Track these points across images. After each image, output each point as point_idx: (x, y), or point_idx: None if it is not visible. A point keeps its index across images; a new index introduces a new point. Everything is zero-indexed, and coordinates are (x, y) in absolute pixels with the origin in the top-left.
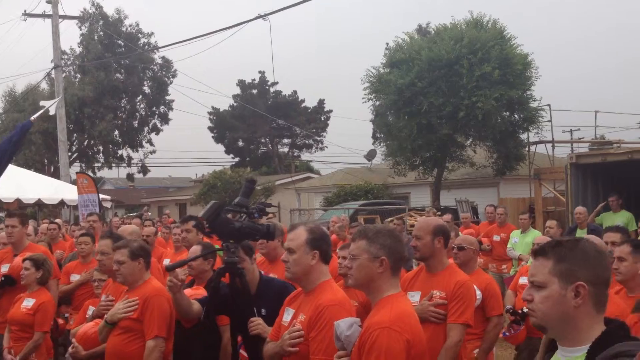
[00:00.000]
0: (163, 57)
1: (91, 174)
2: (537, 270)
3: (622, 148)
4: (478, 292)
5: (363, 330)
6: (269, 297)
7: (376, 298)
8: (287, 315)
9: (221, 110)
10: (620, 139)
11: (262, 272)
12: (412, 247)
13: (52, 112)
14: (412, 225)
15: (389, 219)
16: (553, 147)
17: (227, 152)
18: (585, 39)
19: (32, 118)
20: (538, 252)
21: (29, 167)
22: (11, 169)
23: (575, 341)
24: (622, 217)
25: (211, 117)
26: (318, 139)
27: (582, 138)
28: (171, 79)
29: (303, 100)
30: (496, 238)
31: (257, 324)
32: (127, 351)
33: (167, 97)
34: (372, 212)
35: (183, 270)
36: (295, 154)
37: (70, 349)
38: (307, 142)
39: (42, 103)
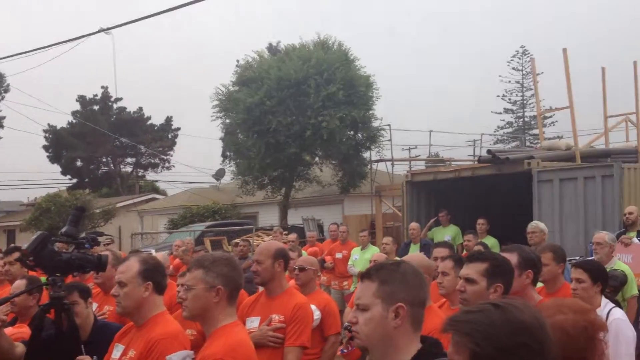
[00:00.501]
0: None
1: None
2: (363, 293)
3: (452, 166)
4: (317, 312)
5: None
6: (103, 344)
7: (211, 329)
8: (116, 351)
9: (58, 127)
10: (451, 157)
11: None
12: (253, 272)
13: None
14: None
15: (235, 240)
16: (392, 165)
17: (64, 172)
18: (426, 65)
19: None
20: (364, 275)
21: None
22: None
23: None
24: (450, 231)
25: (47, 135)
26: (164, 157)
27: (419, 156)
28: (3, 94)
29: (149, 118)
30: (338, 255)
31: None
32: None
33: None
34: (218, 233)
35: (5, 307)
36: (140, 173)
37: None
38: (152, 161)
39: None
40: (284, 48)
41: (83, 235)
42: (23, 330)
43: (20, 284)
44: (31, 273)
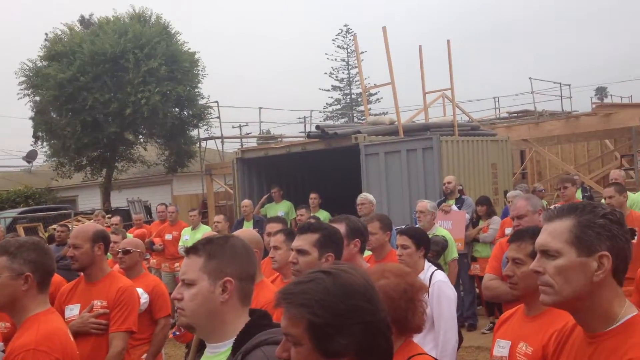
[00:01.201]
0: None
1: None
2: (188, 268)
3: (283, 142)
4: (144, 296)
5: (6, 356)
6: None
7: (21, 318)
8: None
9: None
10: (282, 134)
11: None
12: (70, 258)
13: None
14: None
15: (53, 226)
16: (222, 142)
17: None
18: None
19: None
20: (190, 250)
21: None
22: None
23: (221, 336)
24: (283, 207)
25: None
26: None
27: (250, 133)
28: None
29: None
30: (168, 237)
31: None
32: None
33: None
34: (33, 219)
35: None
36: None
37: None
38: None
39: None
40: (97, 21)
41: None
42: None
43: None
44: None
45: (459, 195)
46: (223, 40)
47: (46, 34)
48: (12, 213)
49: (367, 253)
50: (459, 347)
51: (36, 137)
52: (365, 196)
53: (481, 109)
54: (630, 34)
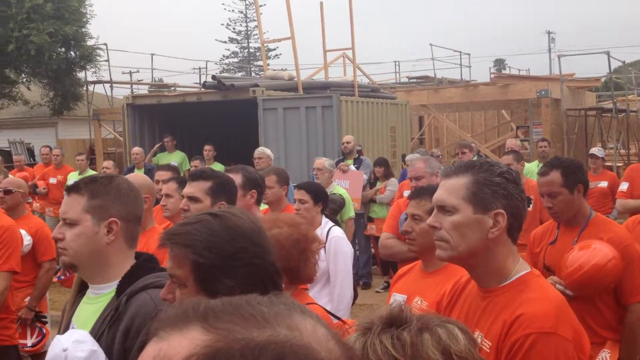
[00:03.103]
0: None
1: None
2: (70, 207)
3: (177, 91)
4: (28, 237)
5: None
6: None
7: None
8: None
9: None
10: (175, 83)
11: None
12: None
13: None
14: None
15: None
16: (112, 87)
17: None
18: None
19: None
20: (71, 188)
21: None
22: None
23: (106, 278)
24: (176, 157)
25: None
26: None
27: (142, 80)
28: None
29: None
30: (53, 180)
31: None
32: None
33: None
34: None
35: None
36: None
37: None
38: None
39: None
40: None
41: None
42: None
43: None
44: None
45: (357, 155)
46: None
47: None
48: None
49: (264, 207)
50: (353, 304)
51: None
52: (262, 150)
53: (381, 72)
54: (532, 3)
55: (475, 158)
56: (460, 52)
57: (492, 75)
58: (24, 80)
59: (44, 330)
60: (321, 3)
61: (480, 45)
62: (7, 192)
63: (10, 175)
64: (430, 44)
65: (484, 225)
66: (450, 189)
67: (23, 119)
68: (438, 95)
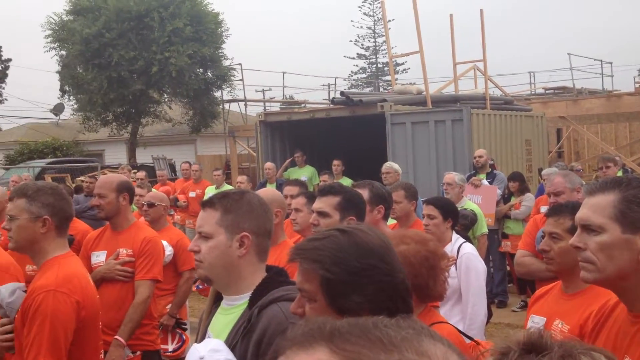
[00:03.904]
0: None
1: None
2: (205, 221)
3: (307, 108)
4: (169, 248)
5: (27, 295)
6: None
7: (41, 261)
8: None
9: None
10: (305, 99)
11: None
12: (96, 207)
13: None
14: None
15: (81, 178)
16: (246, 105)
17: None
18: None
19: None
20: (206, 203)
21: None
22: None
23: (238, 290)
24: (306, 172)
25: None
26: None
27: (274, 98)
28: None
29: None
30: (192, 194)
31: None
32: None
33: None
34: (61, 170)
35: None
36: None
37: None
38: None
39: None
40: None
41: None
42: None
43: None
44: None
45: (490, 169)
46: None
47: None
48: (41, 163)
49: (392, 222)
50: (487, 322)
51: (63, 90)
52: (390, 165)
53: (515, 84)
54: None
55: (620, 173)
56: (602, 60)
57: (637, 85)
58: (166, 100)
59: (184, 337)
60: (451, 15)
61: (622, 52)
62: (151, 205)
63: (153, 190)
64: (569, 54)
65: (634, 246)
66: (596, 207)
67: (165, 136)
68: (577, 106)
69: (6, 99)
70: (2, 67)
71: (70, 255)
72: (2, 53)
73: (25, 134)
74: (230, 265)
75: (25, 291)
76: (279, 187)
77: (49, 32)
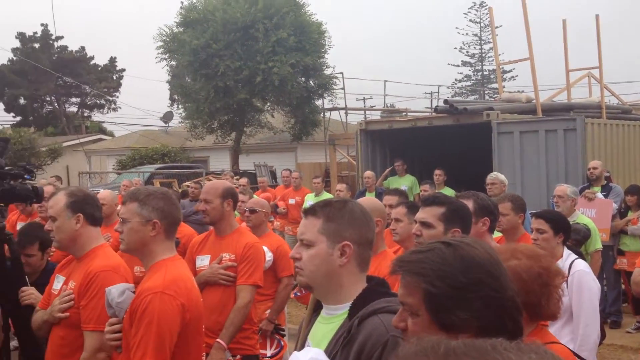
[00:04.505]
0: None
1: None
2: (307, 229)
3: (408, 116)
4: (269, 254)
5: (135, 296)
6: None
7: (149, 262)
8: (57, 283)
9: None
10: (407, 108)
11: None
12: (202, 212)
13: None
14: None
15: (186, 183)
16: (346, 114)
17: (7, 110)
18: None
19: None
20: (308, 211)
21: None
22: None
23: (338, 299)
24: (407, 181)
25: None
26: (110, 99)
27: (374, 106)
28: None
29: (92, 57)
30: (292, 201)
31: (29, 294)
32: None
33: None
34: (168, 175)
35: None
36: (86, 114)
37: None
38: (98, 102)
39: None
40: None
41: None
42: None
43: None
44: None
45: (605, 182)
46: (350, 6)
47: (182, 2)
48: (150, 168)
49: (497, 235)
50: (600, 344)
51: (172, 99)
52: (495, 175)
53: (635, 92)
54: None
55: None
56: None
57: None
58: (269, 108)
59: (282, 343)
60: (564, 21)
61: None
62: (252, 211)
63: (255, 196)
64: None
65: None
66: None
67: (267, 144)
68: None
69: (120, 107)
70: (116, 77)
71: (177, 259)
72: (117, 64)
73: (136, 140)
74: (331, 274)
75: (134, 292)
76: (379, 196)
77: (160, 43)
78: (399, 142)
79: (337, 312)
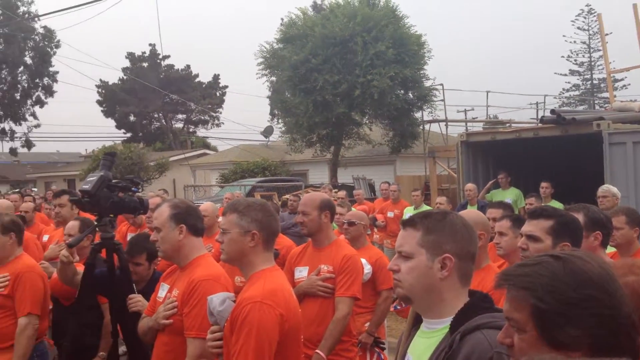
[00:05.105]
0: (45, 27)
1: None
2: (405, 241)
3: (512, 127)
4: (368, 266)
5: (235, 305)
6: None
7: (249, 272)
8: (162, 291)
9: (110, 83)
10: (511, 119)
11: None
12: (300, 224)
13: None
14: None
15: (286, 196)
16: (447, 125)
17: (118, 127)
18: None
19: None
20: (407, 223)
21: None
22: None
23: (439, 313)
24: (511, 194)
25: (99, 90)
26: (214, 114)
27: (476, 118)
28: (54, 50)
29: (197, 75)
30: (390, 214)
31: (136, 301)
32: None
33: (51, 69)
34: (269, 188)
35: (59, 245)
36: (191, 129)
37: None
38: (202, 117)
39: None
40: (328, 5)
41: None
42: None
43: (74, 224)
44: (81, 214)
45: None
46: (451, 18)
47: (282, 19)
48: (252, 182)
49: (611, 250)
50: None
51: (272, 114)
52: (607, 188)
53: None
54: None
55: None
56: None
57: None
58: (367, 121)
59: (382, 356)
60: None
61: None
62: (351, 223)
63: (353, 209)
64: None
65: None
66: None
67: (366, 157)
68: None
69: (223, 123)
70: (219, 93)
71: (275, 269)
72: (219, 81)
73: (238, 154)
74: (430, 287)
75: (234, 301)
76: (481, 209)
77: (261, 59)
78: (503, 154)
79: (438, 327)
